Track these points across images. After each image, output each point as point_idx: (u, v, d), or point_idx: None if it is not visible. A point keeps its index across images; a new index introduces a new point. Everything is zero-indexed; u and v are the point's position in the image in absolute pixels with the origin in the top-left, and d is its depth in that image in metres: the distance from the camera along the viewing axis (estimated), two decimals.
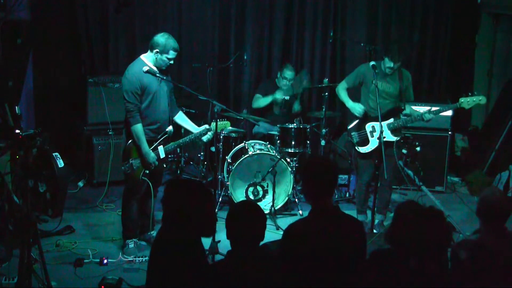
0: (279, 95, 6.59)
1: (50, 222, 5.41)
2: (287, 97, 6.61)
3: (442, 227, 2.84)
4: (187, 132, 5.07)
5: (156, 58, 4.68)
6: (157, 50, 4.64)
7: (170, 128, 4.85)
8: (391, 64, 5.16)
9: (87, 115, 6.57)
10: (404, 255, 2.80)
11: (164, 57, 4.65)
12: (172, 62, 4.73)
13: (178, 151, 6.96)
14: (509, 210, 3.32)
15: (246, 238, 2.92)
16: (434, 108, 5.23)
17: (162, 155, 4.80)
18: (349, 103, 5.42)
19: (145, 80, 4.64)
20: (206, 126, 4.88)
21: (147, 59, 4.71)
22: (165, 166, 4.93)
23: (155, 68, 4.69)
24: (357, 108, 5.37)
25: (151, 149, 4.71)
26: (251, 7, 7.43)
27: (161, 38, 4.65)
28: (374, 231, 5.18)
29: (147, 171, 4.74)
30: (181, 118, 5.04)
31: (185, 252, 2.91)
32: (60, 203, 5.58)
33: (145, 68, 4.60)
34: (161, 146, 4.79)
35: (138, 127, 4.62)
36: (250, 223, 2.93)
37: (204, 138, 4.89)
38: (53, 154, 5.48)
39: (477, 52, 8.03)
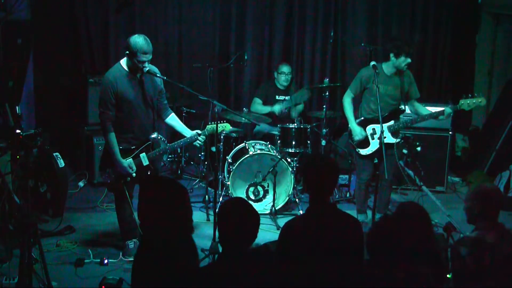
0: (277, 108, 6.58)
1: (50, 222, 5.42)
2: (286, 110, 6.58)
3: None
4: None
5: (128, 60, 4.40)
6: (127, 52, 4.34)
7: (154, 135, 4.65)
8: (409, 60, 5.17)
9: (87, 115, 6.57)
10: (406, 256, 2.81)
11: (134, 60, 4.31)
12: (146, 65, 4.36)
13: (179, 151, 6.96)
14: (501, 198, 3.43)
15: (236, 237, 2.78)
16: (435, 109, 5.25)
17: (145, 162, 4.60)
18: (353, 124, 5.34)
19: (120, 87, 4.40)
20: (198, 131, 4.71)
21: (123, 63, 4.47)
22: (149, 173, 4.67)
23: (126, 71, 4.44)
24: (358, 132, 5.30)
25: (132, 157, 4.57)
26: (252, 7, 7.42)
27: (132, 39, 4.31)
28: None
29: (128, 178, 4.59)
30: (173, 120, 4.82)
31: (168, 251, 2.80)
32: (61, 203, 5.59)
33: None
34: (144, 153, 4.61)
35: (110, 137, 4.45)
36: (240, 220, 2.79)
37: (196, 144, 4.74)
38: (54, 154, 5.49)
39: (477, 52, 8.02)
